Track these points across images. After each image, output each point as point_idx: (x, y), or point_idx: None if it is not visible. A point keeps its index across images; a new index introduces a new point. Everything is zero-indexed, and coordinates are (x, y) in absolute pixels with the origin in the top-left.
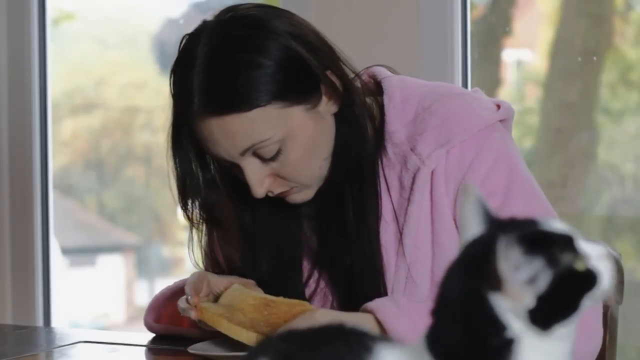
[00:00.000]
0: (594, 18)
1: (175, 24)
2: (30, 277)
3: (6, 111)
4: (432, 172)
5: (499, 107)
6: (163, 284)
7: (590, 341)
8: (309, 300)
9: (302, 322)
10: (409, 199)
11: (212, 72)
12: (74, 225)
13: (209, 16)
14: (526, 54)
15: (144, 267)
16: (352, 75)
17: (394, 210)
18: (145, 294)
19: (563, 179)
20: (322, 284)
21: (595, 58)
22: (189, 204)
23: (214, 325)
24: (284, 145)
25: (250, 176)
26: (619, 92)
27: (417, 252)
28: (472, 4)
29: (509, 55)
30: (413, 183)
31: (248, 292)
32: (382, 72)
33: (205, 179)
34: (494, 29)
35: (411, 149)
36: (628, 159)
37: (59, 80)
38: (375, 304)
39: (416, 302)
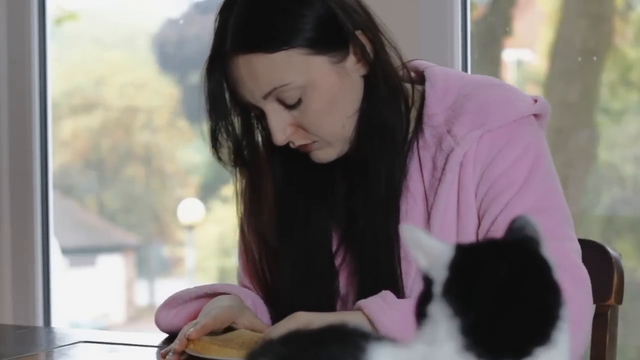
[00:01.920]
0: (594, 18)
1: (175, 24)
2: (30, 277)
3: (6, 111)
4: (464, 155)
5: (535, 102)
6: (163, 284)
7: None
8: (337, 271)
9: (288, 323)
10: (440, 179)
11: (246, 13)
12: (74, 225)
13: None
14: (526, 54)
15: (144, 267)
16: (386, 44)
17: (425, 190)
18: (145, 294)
19: (563, 179)
20: (349, 259)
21: (595, 58)
22: (218, 144)
23: (204, 352)
24: (305, 93)
25: (272, 121)
26: (619, 92)
27: (443, 233)
28: (472, 4)
29: (509, 55)
30: (445, 163)
31: (248, 332)
32: (424, 63)
33: (240, 121)
34: (494, 29)
35: (447, 131)
36: (628, 159)
37: (59, 80)
38: (363, 301)
39: (407, 299)
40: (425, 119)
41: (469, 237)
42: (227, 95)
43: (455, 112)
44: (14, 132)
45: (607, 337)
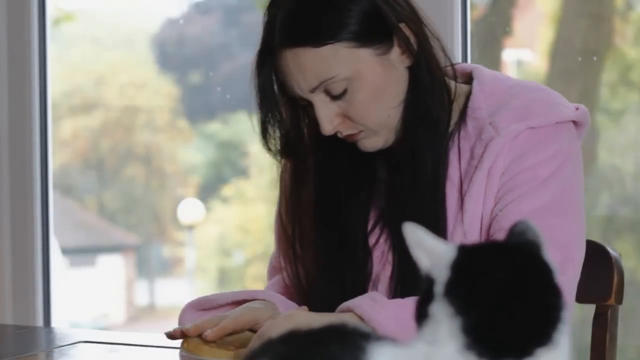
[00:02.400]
0: (594, 18)
1: (175, 24)
2: (30, 277)
3: (6, 111)
4: (499, 149)
5: (577, 110)
6: (163, 284)
7: None
8: (371, 252)
9: (284, 322)
10: (476, 167)
11: (294, 8)
12: (74, 225)
13: None
14: (526, 54)
15: (144, 267)
16: (430, 37)
17: (460, 177)
18: (145, 294)
19: None
20: (384, 239)
21: (595, 58)
22: (268, 135)
23: (195, 352)
24: (351, 84)
25: (319, 112)
26: (619, 92)
27: (474, 221)
28: (472, 4)
29: (509, 55)
30: (484, 152)
31: (251, 333)
32: (472, 65)
33: (287, 112)
34: (494, 29)
35: (489, 123)
36: (628, 159)
37: (59, 80)
38: (352, 302)
39: (397, 299)
40: (470, 111)
41: (481, 230)
42: (275, 88)
43: (500, 107)
44: (14, 132)
45: (607, 337)
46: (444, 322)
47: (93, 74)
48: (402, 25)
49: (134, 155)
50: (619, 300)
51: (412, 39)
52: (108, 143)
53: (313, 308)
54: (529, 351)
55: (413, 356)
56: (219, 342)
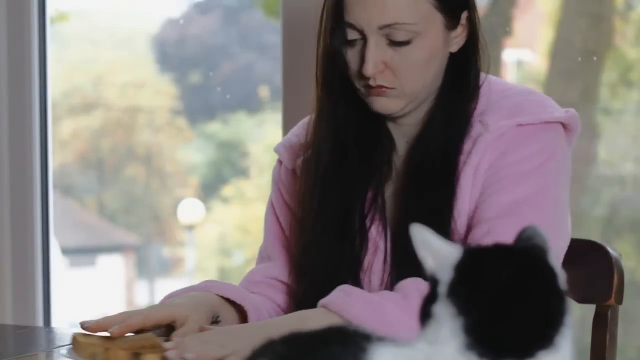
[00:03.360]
0: (594, 18)
1: (175, 24)
2: (30, 277)
3: (6, 111)
4: (487, 146)
5: (566, 112)
6: (163, 284)
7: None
8: (367, 232)
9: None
10: (465, 163)
11: None
12: (74, 225)
13: None
14: (526, 54)
15: (144, 267)
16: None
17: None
18: (145, 294)
19: None
20: (375, 228)
21: (595, 58)
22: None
23: (79, 351)
24: (415, 39)
25: (371, 50)
26: (619, 92)
27: (462, 216)
28: None
29: (509, 55)
30: (472, 148)
31: (150, 337)
32: None
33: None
34: (494, 29)
35: (479, 121)
36: (628, 159)
37: (59, 80)
38: (325, 299)
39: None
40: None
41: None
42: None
43: (492, 107)
44: (14, 132)
45: (607, 337)
46: (446, 322)
47: (93, 74)
48: (464, 15)
49: (134, 155)
50: (619, 300)
51: (466, 29)
52: (108, 143)
53: (305, 292)
54: (531, 353)
55: (414, 356)
56: (120, 341)
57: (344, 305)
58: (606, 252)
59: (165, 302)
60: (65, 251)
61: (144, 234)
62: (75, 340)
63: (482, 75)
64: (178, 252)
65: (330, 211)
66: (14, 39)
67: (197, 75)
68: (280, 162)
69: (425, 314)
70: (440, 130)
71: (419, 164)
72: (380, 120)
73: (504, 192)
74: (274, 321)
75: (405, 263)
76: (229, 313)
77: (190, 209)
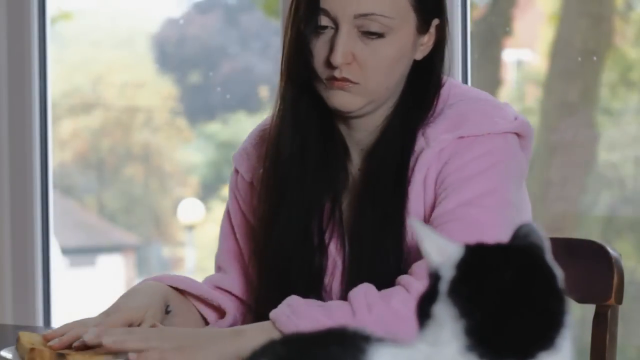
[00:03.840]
0: (594, 18)
1: (175, 24)
2: (30, 277)
3: (6, 111)
4: (432, 158)
5: (516, 119)
6: None
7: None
8: (327, 250)
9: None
10: (410, 180)
11: None
12: (74, 225)
13: None
14: (526, 54)
15: (144, 267)
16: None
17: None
18: None
19: (563, 179)
20: (335, 240)
21: (595, 58)
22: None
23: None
24: (388, 34)
25: (342, 39)
26: (619, 92)
27: (414, 238)
28: (472, 4)
29: (509, 55)
30: (415, 164)
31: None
32: None
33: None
34: (494, 29)
35: (422, 134)
36: (628, 159)
37: (59, 80)
38: (272, 313)
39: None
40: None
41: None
42: None
43: (435, 119)
44: (14, 132)
45: (607, 337)
46: (447, 323)
47: (93, 74)
48: (435, 22)
49: (133, 155)
50: (619, 300)
51: (433, 38)
52: (108, 143)
53: (264, 304)
54: (532, 354)
55: (414, 357)
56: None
57: (288, 323)
58: (606, 252)
59: (119, 305)
60: (65, 251)
61: (144, 234)
62: (19, 338)
63: (444, 77)
64: (178, 252)
65: (290, 226)
66: (14, 39)
67: (197, 75)
68: (237, 171)
69: (425, 314)
70: (394, 140)
71: (375, 175)
72: (335, 125)
73: (450, 198)
74: (210, 330)
75: (361, 278)
76: (181, 303)
77: (190, 209)
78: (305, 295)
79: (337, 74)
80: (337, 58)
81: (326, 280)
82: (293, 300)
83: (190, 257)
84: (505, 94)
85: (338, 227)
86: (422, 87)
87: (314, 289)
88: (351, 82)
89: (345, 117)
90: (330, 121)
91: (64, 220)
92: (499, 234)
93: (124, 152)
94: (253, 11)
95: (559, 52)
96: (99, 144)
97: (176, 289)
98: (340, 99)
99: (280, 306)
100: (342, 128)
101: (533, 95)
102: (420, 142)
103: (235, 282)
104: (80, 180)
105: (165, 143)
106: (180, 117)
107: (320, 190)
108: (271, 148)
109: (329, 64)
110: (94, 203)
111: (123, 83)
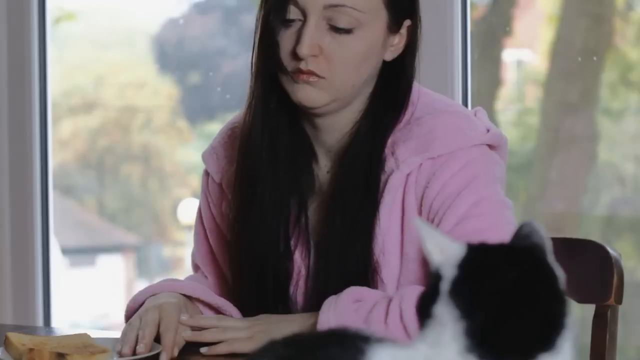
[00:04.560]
0: (594, 18)
1: (175, 24)
2: (30, 277)
3: (6, 111)
4: (406, 182)
5: (488, 131)
6: None
7: None
8: (292, 258)
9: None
10: (379, 201)
11: None
12: (74, 225)
13: None
14: (526, 54)
15: (144, 267)
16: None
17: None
18: None
19: (563, 179)
20: (300, 247)
21: (595, 58)
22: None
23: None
24: (357, 29)
25: (309, 31)
26: (619, 92)
27: (384, 258)
28: (472, 4)
29: (509, 55)
30: (385, 185)
31: (80, 337)
32: None
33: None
34: (494, 29)
35: (392, 153)
36: (628, 159)
37: (58, 80)
38: (328, 299)
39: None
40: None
41: (412, 267)
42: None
43: (403, 136)
44: (14, 132)
45: (607, 337)
46: (448, 324)
47: (93, 74)
48: (407, 23)
49: (133, 155)
50: (619, 300)
51: (404, 39)
52: (108, 143)
53: (242, 307)
54: (532, 355)
55: (413, 358)
56: (51, 340)
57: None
58: (606, 252)
59: (156, 309)
60: (65, 251)
61: (143, 234)
62: (7, 339)
63: (415, 85)
64: (178, 252)
65: (259, 228)
66: (14, 39)
67: (197, 75)
68: (207, 172)
69: (425, 314)
70: (364, 145)
71: (344, 182)
72: (302, 125)
73: (445, 220)
74: (281, 316)
75: (327, 288)
76: (192, 311)
77: (190, 209)
78: (274, 301)
79: (303, 66)
80: (304, 49)
81: (291, 289)
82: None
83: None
84: (505, 94)
85: (303, 234)
86: (391, 91)
87: (282, 296)
88: (317, 75)
89: (310, 116)
90: (297, 120)
91: (64, 220)
92: (504, 234)
93: (124, 152)
94: (253, 11)
95: (559, 52)
96: (99, 144)
97: (186, 295)
98: (304, 93)
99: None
100: (308, 128)
101: (533, 95)
102: (390, 163)
103: (214, 286)
104: (80, 180)
105: (165, 143)
106: (180, 117)
107: (288, 191)
108: (242, 146)
109: (295, 56)
110: (94, 203)
111: (123, 83)
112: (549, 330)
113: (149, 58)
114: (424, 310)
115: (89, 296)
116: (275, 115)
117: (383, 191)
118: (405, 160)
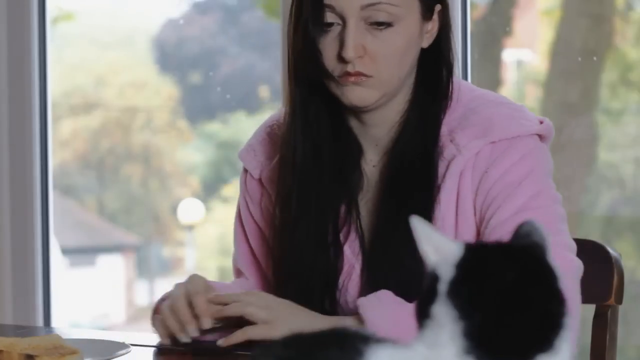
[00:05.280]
0: (594, 18)
1: (175, 24)
2: (30, 277)
3: (6, 111)
4: (465, 164)
5: (541, 123)
6: (163, 284)
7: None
8: (342, 249)
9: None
10: (439, 187)
11: None
12: (74, 225)
13: None
14: (526, 54)
15: (144, 267)
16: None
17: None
18: (145, 294)
19: (563, 179)
20: (353, 237)
21: (595, 58)
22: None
23: None
24: (396, 22)
25: (351, 33)
26: (619, 92)
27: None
28: (472, 4)
29: (509, 55)
30: (446, 171)
31: (56, 338)
32: None
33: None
34: (494, 29)
35: (450, 140)
36: (628, 159)
37: (58, 80)
38: (360, 299)
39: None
40: None
41: None
42: None
43: (460, 124)
44: (14, 132)
45: (607, 337)
46: (447, 325)
47: (93, 74)
48: (438, 8)
49: (133, 155)
50: (619, 300)
51: (437, 25)
52: (108, 143)
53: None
54: (531, 356)
55: (412, 358)
56: (22, 342)
57: (368, 308)
58: (606, 252)
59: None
60: (65, 251)
61: (144, 234)
62: None
63: (454, 79)
64: (178, 252)
65: (304, 227)
66: (14, 39)
67: (197, 75)
68: (245, 170)
69: (424, 315)
70: (415, 134)
71: (398, 175)
72: (347, 122)
73: (504, 207)
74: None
75: (380, 283)
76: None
77: (190, 209)
78: (320, 296)
79: (350, 68)
80: (349, 52)
81: (341, 280)
82: (384, 293)
83: (190, 257)
84: (505, 94)
85: (355, 228)
86: (433, 76)
87: (329, 290)
88: (365, 75)
89: (358, 113)
90: (341, 120)
91: (64, 220)
92: (560, 230)
93: (124, 152)
94: (253, 11)
95: (559, 52)
96: (99, 144)
97: None
98: (355, 94)
99: (370, 295)
100: (355, 125)
101: (533, 95)
102: (450, 149)
103: (257, 287)
104: (80, 180)
105: (166, 143)
106: (180, 117)
107: (336, 192)
108: (283, 153)
109: (341, 60)
110: (94, 203)
111: (123, 83)
112: (547, 331)
113: (149, 58)
114: (423, 311)
115: (89, 296)
116: (315, 118)
117: (444, 177)
118: (466, 145)
